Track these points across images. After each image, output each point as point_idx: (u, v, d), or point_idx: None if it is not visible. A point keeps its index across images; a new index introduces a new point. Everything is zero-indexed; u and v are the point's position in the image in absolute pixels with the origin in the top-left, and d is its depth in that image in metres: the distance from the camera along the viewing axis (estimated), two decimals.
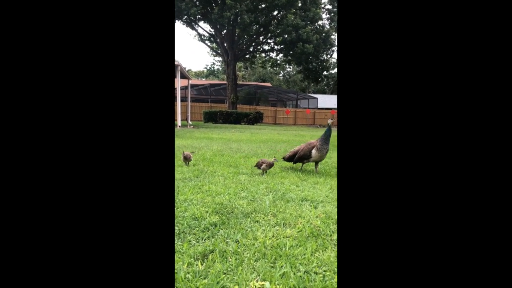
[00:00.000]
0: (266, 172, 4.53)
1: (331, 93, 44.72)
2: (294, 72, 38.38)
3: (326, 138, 4.66)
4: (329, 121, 4.95)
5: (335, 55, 33.76)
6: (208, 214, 2.64)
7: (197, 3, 23.89)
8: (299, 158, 4.82)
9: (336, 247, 2.12)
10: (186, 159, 4.90)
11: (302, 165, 5.09)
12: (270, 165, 4.44)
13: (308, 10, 25.43)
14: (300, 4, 25.31)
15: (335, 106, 37.54)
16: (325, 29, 27.30)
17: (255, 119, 25.69)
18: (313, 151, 4.64)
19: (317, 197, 3.30)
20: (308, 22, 25.41)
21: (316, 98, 39.39)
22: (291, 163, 5.26)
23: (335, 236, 2.28)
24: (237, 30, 25.78)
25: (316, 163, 4.87)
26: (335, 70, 41.21)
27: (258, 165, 4.52)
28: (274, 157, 4.77)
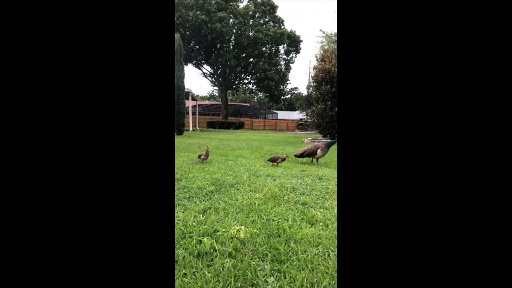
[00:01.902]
0: (278, 164, 4.02)
1: (286, 110, 44.84)
2: (263, 97, 38.41)
3: (329, 145, 4.27)
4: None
5: (288, 86, 34.20)
6: (207, 185, 2.64)
7: (202, 52, 23.82)
8: (307, 154, 4.36)
9: (288, 204, 2.20)
10: (203, 157, 4.13)
11: (312, 160, 4.59)
12: (283, 159, 3.98)
13: (272, 59, 25.79)
14: (266, 55, 25.55)
15: (288, 118, 37.74)
16: (282, 70, 27.58)
17: (239, 126, 25.61)
18: (318, 151, 4.26)
19: (276, 174, 3.36)
20: (272, 66, 25.73)
21: (277, 113, 39.52)
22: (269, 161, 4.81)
23: (286, 197, 2.36)
24: (227, 70, 25.71)
25: (317, 159, 4.45)
26: (288, 95, 41.43)
27: (273, 160, 3.97)
28: (286, 154, 4.40)
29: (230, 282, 1.10)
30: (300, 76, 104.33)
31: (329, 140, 4.31)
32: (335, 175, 3.54)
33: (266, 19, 25.62)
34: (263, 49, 24.93)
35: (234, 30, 23.53)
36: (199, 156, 4.24)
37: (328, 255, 1.35)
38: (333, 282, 1.12)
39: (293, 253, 1.36)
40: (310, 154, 4.35)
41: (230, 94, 45.18)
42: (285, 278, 1.14)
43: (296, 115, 35.87)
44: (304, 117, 25.13)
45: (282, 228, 1.64)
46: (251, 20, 24.27)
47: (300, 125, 32.20)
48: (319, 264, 1.26)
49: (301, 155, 4.49)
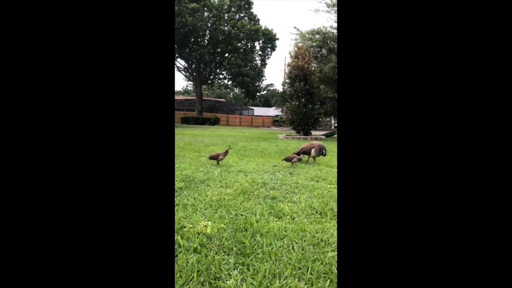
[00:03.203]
0: (292, 165, 3.83)
1: (262, 106, 45.07)
2: (239, 92, 38.28)
3: (324, 147, 4.16)
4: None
5: (264, 83, 34.29)
6: (177, 182, 2.62)
7: (175, 46, 23.13)
8: (303, 152, 4.19)
9: (257, 199, 2.22)
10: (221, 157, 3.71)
11: (308, 159, 4.36)
12: (299, 160, 3.79)
13: (247, 55, 25.72)
14: (242, 51, 25.43)
15: (265, 114, 37.98)
16: (258, 67, 27.63)
17: (215, 122, 25.26)
18: (312, 150, 4.12)
19: (248, 170, 3.40)
20: (248, 62, 25.70)
21: (253, 109, 39.61)
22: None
23: (256, 192, 2.38)
24: (201, 64, 25.23)
25: (314, 158, 4.23)
26: (264, 92, 41.63)
27: (289, 159, 3.78)
28: (302, 155, 4.11)
29: (193, 277, 1.10)
30: (276, 72, 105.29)
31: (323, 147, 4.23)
32: (311, 171, 3.63)
33: (242, 15, 25.44)
34: (238, 44, 24.79)
35: (209, 24, 23.10)
36: (216, 158, 3.66)
37: (293, 247, 1.39)
38: (295, 272, 1.16)
39: (258, 246, 1.38)
40: (305, 152, 4.22)
41: (205, 89, 44.47)
42: (249, 270, 1.16)
43: (272, 111, 36.21)
44: (280, 113, 25.42)
45: (249, 222, 1.67)
46: (226, 14, 23.95)
47: (276, 121, 32.56)
48: (282, 255, 1.30)
49: (298, 153, 4.29)
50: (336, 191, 2.55)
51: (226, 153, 3.74)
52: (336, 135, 12.02)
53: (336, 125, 31.07)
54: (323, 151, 4.14)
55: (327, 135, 12.24)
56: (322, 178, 3.14)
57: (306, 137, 10.44)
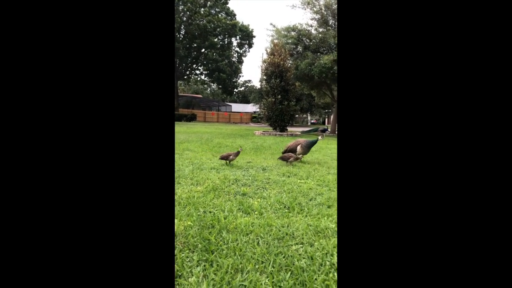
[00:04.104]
0: (290, 163, 3.70)
1: (240, 102, 44.92)
2: (217, 88, 37.86)
3: (311, 144, 3.95)
4: (320, 138, 4.26)
5: (242, 79, 34.17)
6: None
7: None
8: (288, 150, 4.06)
9: (228, 196, 2.23)
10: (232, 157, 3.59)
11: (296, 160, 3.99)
12: (296, 159, 3.69)
13: (224, 50, 25.49)
14: (219, 46, 25.14)
15: (243, 111, 37.86)
16: (235, 63, 27.47)
17: (191, 118, 24.77)
18: (298, 147, 3.93)
19: (221, 167, 3.36)
20: (224, 58, 25.47)
21: (231, 105, 39.35)
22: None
23: (227, 189, 2.38)
24: (177, 59, 24.61)
25: (301, 155, 3.98)
26: (242, 88, 41.51)
27: (285, 158, 3.67)
28: (301, 155, 3.93)
29: None
30: (254, 69, 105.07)
31: (311, 140, 4.01)
32: (284, 167, 3.68)
33: (218, 10, 25.06)
34: (215, 40, 24.42)
35: (184, 19, 22.52)
36: (227, 158, 3.52)
37: (258, 242, 1.42)
38: (257, 266, 1.19)
39: (224, 242, 1.39)
40: (291, 151, 4.06)
41: (182, 85, 43.47)
42: (212, 266, 1.17)
43: (250, 107, 36.18)
44: (258, 109, 25.46)
45: (217, 219, 1.67)
46: (202, 9, 23.45)
47: (254, 118, 32.60)
48: (246, 251, 1.32)
49: (284, 152, 4.16)
50: (305, 185, 2.62)
51: (237, 154, 3.63)
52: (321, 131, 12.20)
53: (312, 121, 31.73)
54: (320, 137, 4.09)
55: (309, 132, 12.45)
56: (293, 173, 3.21)
57: (282, 133, 10.57)
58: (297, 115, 26.40)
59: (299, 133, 11.76)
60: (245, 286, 1.07)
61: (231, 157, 3.55)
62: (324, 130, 12.93)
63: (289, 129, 13.05)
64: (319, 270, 1.18)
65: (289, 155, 3.67)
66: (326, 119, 31.34)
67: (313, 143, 3.99)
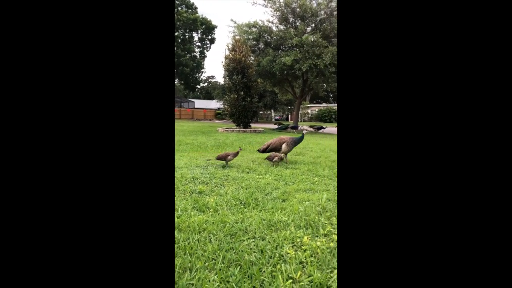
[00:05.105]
0: (278, 163, 3.56)
1: (204, 99, 44.00)
2: (178, 84, 36.61)
3: (297, 141, 3.75)
4: (304, 132, 4.11)
5: (204, 75, 33.40)
6: None
7: None
8: (271, 149, 3.79)
9: (183, 195, 2.19)
10: (230, 158, 3.38)
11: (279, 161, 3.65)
12: (281, 158, 3.50)
13: (186, 45, 24.73)
14: (180, 40, 24.30)
15: (206, 107, 37.14)
16: (197, 58, 26.80)
17: None
18: (283, 145, 3.69)
19: (179, 165, 3.31)
20: (186, 53, 24.71)
21: (194, 102, 38.35)
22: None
23: (182, 188, 2.34)
24: None
25: (285, 153, 3.77)
26: (205, 84, 40.63)
27: (271, 158, 3.49)
28: (284, 153, 3.71)
29: None
30: (217, 65, 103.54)
31: (297, 136, 3.81)
32: (245, 164, 3.70)
33: (178, 2, 24.16)
34: (176, 33, 23.55)
35: None
36: (224, 158, 3.32)
37: (210, 240, 1.42)
38: (207, 263, 1.19)
39: (175, 242, 1.36)
40: (273, 149, 3.81)
41: None
42: None
43: (214, 104, 35.61)
44: (222, 106, 25.18)
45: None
46: None
47: (219, 114, 32.18)
48: (197, 249, 1.31)
49: (264, 150, 3.90)
50: (263, 181, 2.67)
51: (236, 154, 3.41)
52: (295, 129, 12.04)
53: (276, 117, 32.27)
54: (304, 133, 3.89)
55: (280, 129, 12.49)
56: (253, 169, 3.26)
57: (245, 130, 10.62)
58: (261, 112, 26.61)
59: (262, 129, 11.92)
60: (193, 284, 1.06)
61: (229, 157, 3.32)
62: (319, 128, 12.57)
63: (253, 125, 13.14)
64: (268, 263, 1.22)
65: (274, 155, 3.50)
66: (290, 115, 32.14)
67: (299, 140, 3.78)
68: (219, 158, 3.35)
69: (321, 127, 12.34)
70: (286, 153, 3.76)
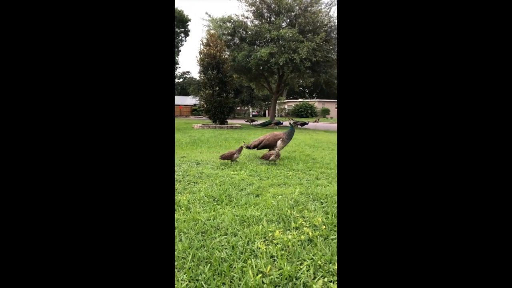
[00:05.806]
0: (274, 161, 3.41)
1: (179, 95, 42.90)
2: None
3: (290, 135, 3.64)
4: (291, 121, 4.01)
5: (180, 70, 32.46)
6: None
7: None
8: (264, 146, 3.66)
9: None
10: (236, 156, 3.28)
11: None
12: (278, 155, 3.37)
13: None
14: None
15: (182, 103, 36.25)
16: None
17: None
18: (279, 142, 3.59)
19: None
20: None
21: None
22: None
23: None
24: None
25: (279, 149, 3.63)
26: (181, 80, 39.57)
27: (266, 157, 3.36)
28: (277, 151, 3.48)
29: None
30: (192, 60, 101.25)
31: (288, 131, 3.69)
32: (220, 160, 3.66)
33: None
34: None
35: None
36: (230, 157, 3.21)
37: (180, 239, 1.39)
38: (176, 263, 1.17)
39: None
40: (267, 145, 3.65)
41: None
42: None
43: (190, 100, 34.86)
44: (198, 102, 24.71)
45: None
46: None
47: (195, 111, 31.58)
48: None
49: (254, 147, 3.74)
50: (238, 177, 2.66)
51: (240, 149, 3.30)
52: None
53: (254, 113, 32.31)
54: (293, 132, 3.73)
55: (263, 125, 12.40)
56: (228, 166, 3.24)
57: (222, 126, 10.53)
58: (238, 107, 26.50)
59: (239, 125, 11.87)
60: None
61: (235, 155, 3.22)
62: (303, 124, 12.27)
63: (230, 121, 13.04)
64: (239, 259, 1.22)
65: (270, 153, 3.38)
66: (267, 111, 32.28)
67: (292, 133, 3.68)
68: (224, 157, 3.24)
69: (304, 123, 12.46)
70: (280, 149, 3.64)
